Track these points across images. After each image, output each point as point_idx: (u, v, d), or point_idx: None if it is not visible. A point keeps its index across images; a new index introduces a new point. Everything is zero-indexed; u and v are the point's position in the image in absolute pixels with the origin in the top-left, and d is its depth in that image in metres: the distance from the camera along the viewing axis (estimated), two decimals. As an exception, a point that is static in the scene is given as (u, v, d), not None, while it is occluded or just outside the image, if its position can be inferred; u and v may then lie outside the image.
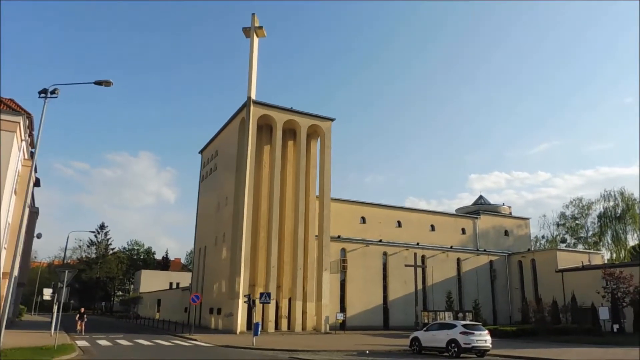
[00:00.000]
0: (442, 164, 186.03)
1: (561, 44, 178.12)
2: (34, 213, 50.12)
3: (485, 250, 61.27)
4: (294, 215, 46.42)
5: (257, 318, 33.60)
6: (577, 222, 77.92)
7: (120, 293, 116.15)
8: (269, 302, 31.55)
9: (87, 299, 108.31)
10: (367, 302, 50.88)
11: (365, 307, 50.71)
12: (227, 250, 45.50)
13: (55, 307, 32.97)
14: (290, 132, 49.32)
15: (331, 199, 54.79)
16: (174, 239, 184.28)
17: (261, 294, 30.71)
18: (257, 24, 47.60)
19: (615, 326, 37.32)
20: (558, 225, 79.65)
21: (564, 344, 32.45)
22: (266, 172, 47.22)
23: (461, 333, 24.66)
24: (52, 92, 19.54)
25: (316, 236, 46.99)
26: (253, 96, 46.06)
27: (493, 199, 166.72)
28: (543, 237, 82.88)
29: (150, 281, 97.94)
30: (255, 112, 45.56)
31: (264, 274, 44.46)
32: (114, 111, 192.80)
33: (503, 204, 72.67)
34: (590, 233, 76.44)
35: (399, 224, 60.28)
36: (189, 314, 56.17)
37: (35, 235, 53.43)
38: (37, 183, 52.57)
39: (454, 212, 71.66)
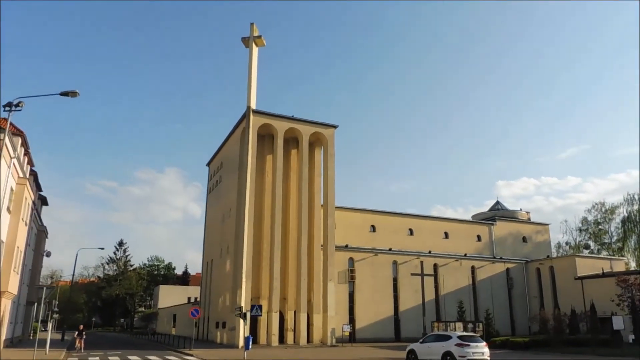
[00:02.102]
0: (468, 171, 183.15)
1: (586, 42, 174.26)
2: (41, 232, 50.34)
3: (501, 258, 59.16)
4: (297, 225, 45.50)
5: (249, 332, 32.58)
6: (600, 227, 74.84)
7: (143, 309, 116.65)
8: (260, 315, 30.54)
9: (108, 316, 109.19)
10: (376, 313, 49.43)
11: (375, 318, 49.25)
12: (230, 263, 44.77)
13: (50, 325, 32.75)
14: (292, 140, 48.64)
15: (340, 207, 53.94)
16: (200, 253, 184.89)
17: (252, 306, 29.72)
18: (256, 34, 47.23)
19: (631, 337, 35.04)
20: (580, 230, 76.65)
21: (575, 355, 30.58)
22: (269, 181, 46.53)
23: (456, 345, 23.34)
24: (17, 105, 19.17)
25: (322, 246, 45.95)
26: (253, 105, 45.54)
27: (521, 205, 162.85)
28: (566, 243, 79.90)
29: (169, 296, 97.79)
30: (255, 122, 45.01)
31: (268, 286, 43.54)
32: (140, 129, 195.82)
33: (520, 210, 70.32)
34: (614, 238, 73.32)
35: (411, 232, 58.72)
36: (198, 328, 55.72)
37: (44, 253, 53.78)
38: (44, 202, 53.16)
39: (469, 218, 69.70)
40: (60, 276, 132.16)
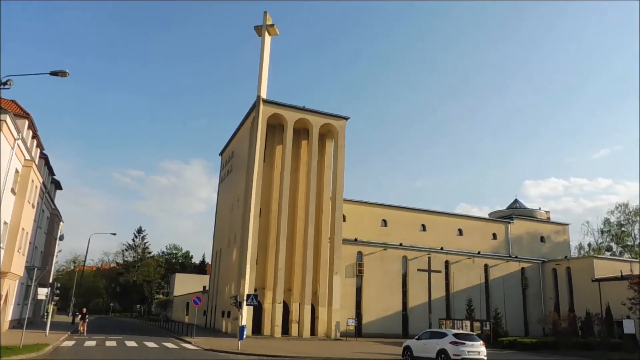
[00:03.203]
0: (495, 170, 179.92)
1: (621, 40, 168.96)
2: (54, 215, 50.92)
3: (516, 257, 57.65)
4: (305, 216, 45.01)
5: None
6: (622, 229, 72.35)
7: (161, 296, 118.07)
8: (255, 304, 30.11)
9: (126, 302, 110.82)
10: (385, 308, 48.65)
11: (383, 313, 48.48)
12: (236, 252, 44.57)
13: (50, 308, 32.97)
14: (303, 131, 48.10)
15: (351, 200, 53.42)
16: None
17: (248, 296, 29.37)
18: (269, 22, 46.70)
19: (642, 340, 33.58)
20: (602, 232, 74.26)
21: (582, 358, 29.37)
22: (278, 172, 46.13)
23: (451, 343, 22.49)
24: (5, 84, 18.99)
25: (329, 238, 45.39)
26: (264, 95, 45.14)
27: (550, 207, 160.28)
28: (588, 245, 77.68)
29: (184, 284, 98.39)
30: (265, 111, 44.59)
31: (273, 276, 43.21)
32: (167, 122, 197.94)
33: (540, 209, 68.42)
34: (637, 241, 70.78)
35: (424, 228, 57.63)
36: (206, 317, 55.88)
37: (57, 237, 54.54)
38: (58, 186, 53.78)
39: (485, 216, 68.17)
40: (83, 261, 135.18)
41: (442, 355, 22.55)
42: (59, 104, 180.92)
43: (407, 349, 25.41)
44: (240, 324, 28.31)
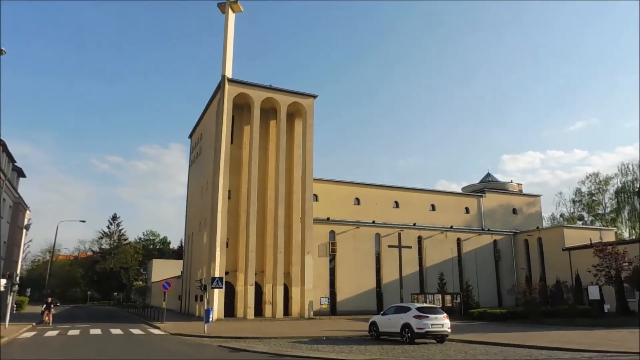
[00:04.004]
0: (474, 146, 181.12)
1: (596, 15, 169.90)
2: (17, 204, 49.61)
3: (488, 230, 58.18)
4: (275, 197, 44.50)
5: (210, 304, 31.93)
6: (593, 198, 73.42)
7: (140, 283, 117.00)
8: (221, 287, 29.74)
9: (104, 290, 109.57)
10: (359, 286, 48.71)
11: (357, 291, 48.55)
12: (207, 236, 43.96)
13: (10, 298, 32.10)
14: (272, 111, 47.29)
15: (323, 180, 53.11)
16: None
17: (212, 279, 28.96)
18: (232, -1, 45.46)
19: (607, 306, 34.12)
20: (574, 202, 75.30)
21: (549, 327, 29.70)
22: (247, 153, 45.38)
23: (414, 317, 22.38)
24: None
25: (300, 218, 45.02)
26: (229, 74, 44.15)
27: (527, 180, 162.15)
28: (561, 215, 78.73)
29: (162, 271, 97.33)
30: (231, 91, 43.65)
31: (244, 259, 42.77)
32: (145, 106, 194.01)
33: (511, 181, 68.86)
34: (608, 210, 71.98)
35: (397, 205, 57.56)
36: (181, 301, 55.43)
37: (23, 227, 53.12)
38: (20, 173, 52.28)
39: (458, 190, 68.51)
40: (59, 250, 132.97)
41: (406, 329, 22.46)
42: (31, 92, 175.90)
43: (373, 324, 25.30)
44: (205, 307, 27.84)
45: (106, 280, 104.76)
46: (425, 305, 25.48)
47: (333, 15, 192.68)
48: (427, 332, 22.13)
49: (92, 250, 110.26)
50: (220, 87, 44.03)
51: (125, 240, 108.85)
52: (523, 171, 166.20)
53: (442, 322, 22.50)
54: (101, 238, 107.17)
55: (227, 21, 45.19)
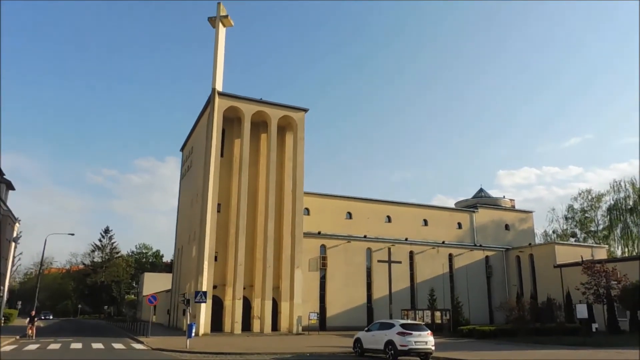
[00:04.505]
0: (470, 162, 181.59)
1: (589, 32, 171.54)
2: (5, 217, 49.11)
3: (480, 246, 57.93)
4: (265, 211, 44.23)
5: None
6: (586, 215, 73.28)
7: (132, 296, 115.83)
8: (204, 302, 29.52)
9: (95, 303, 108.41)
10: (349, 301, 48.26)
11: (348, 306, 48.10)
12: (196, 249, 43.58)
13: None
14: (263, 125, 47.22)
15: (315, 193, 52.98)
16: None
17: (196, 293, 28.56)
18: (223, 13, 45.61)
19: (595, 325, 33.73)
20: (566, 219, 75.13)
21: (535, 345, 29.34)
22: (237, 166, 45.19)
23: (398, 334, 22.05)
24: None
25: (290, 232, 44.72)
26: (219, 87, 44.16)
27: (523, 195, 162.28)
28: (553, 231, 78.50)
29: (154, 284, 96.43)
30: (221, 104, 43.62)
31: (233, 272, 42.37)
32: (140, 118, 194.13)
33: (504, 197, 68.77)
34: (600, 227, 71.80)
35: (389, 219, 57.33)
36: (169, 315, 54.81)
37: (12, 239, 52.61)
38: (9, 186, 51.86)
39: (451, 206, 68.36)
40: (51, 263, 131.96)
41: (390, 347, 22.13)
42: (28, 101, 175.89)
43: (358, 341, 24.97)
44: (188, 322, 27.42)
45: (97, 294, 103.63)
46: (409, 322, 25.13)
47: (327, 27, 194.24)
48: (411, 350, 21.79)
49: (84, 263, 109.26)
50: (210, 100, 44.01)
51: (117, 253, 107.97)
52: (519, 187, 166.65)
53: (426, 340, 22.17)
54: (93, 251, 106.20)
55: (218, 35, 45.31)
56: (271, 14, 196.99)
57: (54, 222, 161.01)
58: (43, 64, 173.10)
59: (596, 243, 66.56)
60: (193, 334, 26.98)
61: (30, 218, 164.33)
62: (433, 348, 22.38)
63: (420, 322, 25.92)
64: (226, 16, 45.52)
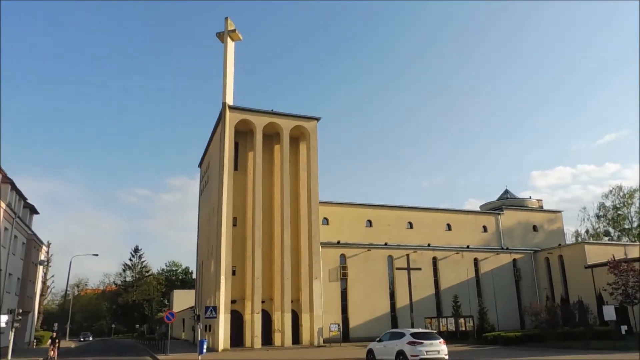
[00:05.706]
0: (502, 163, 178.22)
1: (614, 22, 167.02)
2: (31, 241, 50.04)
3: (507, 249, 56.13)
4: (281, 222, 43.89)
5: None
6: (618, 212, 70.47)
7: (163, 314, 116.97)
8: (215, 317, 29.06)
9: (128, 322, 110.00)
10: (372, 311, 47.22)
11: (370, 316, 47.04)
12: (214, 263, 43.50)
13: (11, 334, 32.01)
14: (275, 136, 47.05)
15: (333, 202, 52.53)
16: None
17: (206, 308, 28.27)
18: (231, 28, 45.85)
19: (624, 327, 31.94)
20: (598, 217, 72.38)
21: (561, 350, 27.97)
22: (251, 179, 45.07)
23: (408, 343, 21.30)
24: None
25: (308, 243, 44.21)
26: (230, 101, 44.26)
27: (559, 196, 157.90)
28: (586, 231, 75.83)
29: (183, 301, 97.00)
30: (232, 118, 43.67)
31: (251, 286, 42.06)
32: (170, 135, 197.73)
33: (530, 197, 66.80)
34: (635, 224, 68.92)
35: (410, 225, 56.21)
36: (193, 332, 54.75)
37: (37, 263, 53.61)
38: (33, 210, 52.97)
39: (476, 209, 66.73)
40: (86, 284, 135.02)
41: (401, 357, 21.35)
42: (54, 122, 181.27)
43: (370, 352, 24.25)
44: (199, 338, 27.14)
45: (129, 313, 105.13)
46: (420, 330, 24.23)
47: (338, 25, 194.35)
48: (422, 359, 20.93)
49: (115, 283, 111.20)
50: (221, 115, 44.13)
51: (147, 271, 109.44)
52: (554, 187, 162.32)
53: (438, 349, 21.31)
54: (124, 271, 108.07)
55: (226, 50, 45.52)
56: (275, 23, 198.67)
57: (89, 244, 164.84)
58: (64, 81, 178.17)
59: (631, 241, 63.89)
60: (204, 350, 26.65)
61: (63, 240, 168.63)
62: (446, 357, 21.52)
63: (432, 331, 25.04)
64: (234, 30, 45.71)
